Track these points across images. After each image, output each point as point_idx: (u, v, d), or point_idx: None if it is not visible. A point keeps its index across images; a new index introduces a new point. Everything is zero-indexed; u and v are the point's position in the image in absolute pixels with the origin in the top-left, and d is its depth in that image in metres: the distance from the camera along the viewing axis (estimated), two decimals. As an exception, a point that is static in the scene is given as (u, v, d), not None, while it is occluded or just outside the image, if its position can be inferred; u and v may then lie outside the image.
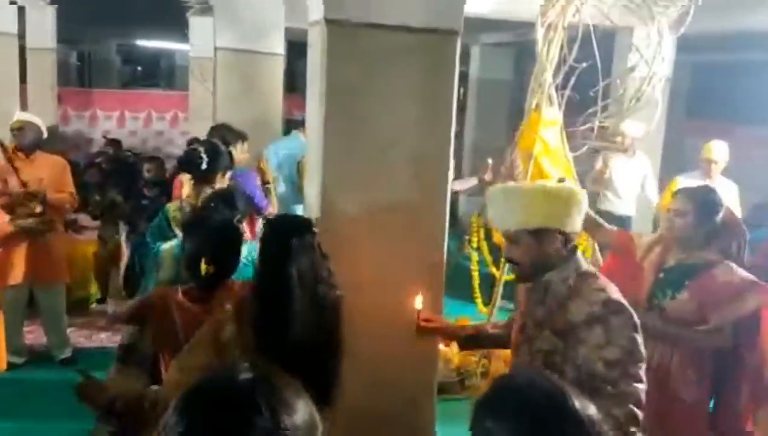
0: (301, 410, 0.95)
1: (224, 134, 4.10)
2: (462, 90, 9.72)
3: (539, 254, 2.04)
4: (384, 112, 2.67)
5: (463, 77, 9.21)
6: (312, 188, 2.82)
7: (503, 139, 5.53)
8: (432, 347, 2.92)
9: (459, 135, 9.04)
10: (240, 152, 4.13)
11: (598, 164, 5.84)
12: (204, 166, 3.33)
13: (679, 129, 7.23)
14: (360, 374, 2.78)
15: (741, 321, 2.69)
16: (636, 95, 4.20)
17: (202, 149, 3.40)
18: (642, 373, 1.88)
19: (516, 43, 8.04)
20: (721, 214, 2.78)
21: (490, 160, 5.17)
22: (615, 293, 1.97)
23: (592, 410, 1.08)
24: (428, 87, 2.69)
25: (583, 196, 2.09)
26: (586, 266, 2.07)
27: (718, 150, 5.19)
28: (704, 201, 2.79)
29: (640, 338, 1.91)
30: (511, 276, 5.23)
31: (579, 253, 2.08)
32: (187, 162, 3.43)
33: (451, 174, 2.82)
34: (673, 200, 2.87)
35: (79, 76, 15.14)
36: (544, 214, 2.03)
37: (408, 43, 2.62)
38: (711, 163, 5.15)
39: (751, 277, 2.66)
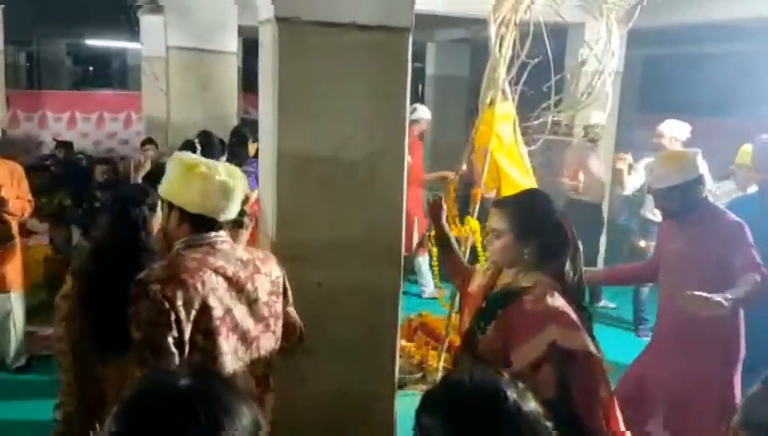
0: (243, 415, 0.95)
1: (245, 131, 4.79)
2: (420, 87, 9.77)
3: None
4: (338, 110, 2.67)
5: (420, 74, 9.26)
6: (268, 188, 2.80)
7: (461, 135, 5.58)
8: (391, 344, 2.93)
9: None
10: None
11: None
12: (197, 154, 3.37)
13: (631, 122, 7.39)
14: (321, 371, 2.80)
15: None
16: (587, 90, 4.28)
17: (197, 139, 3.81)
18: None
19: (471, 39, 8.10)
20: (554, 221, 2.14)
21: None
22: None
23: (532, 405, 1.09)
24: (381, 84, 2.70)
25: None
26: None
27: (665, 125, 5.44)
28: (523, 213, 2.13)
29: None
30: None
31: None
32: (183, 150, 3.59)
33: (405, 170, 2.83)
34: (490, 216, 2.24)
35: (28, 77, 14.71)
36: None
37: (359, 41, 2.62)
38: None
39: (559, 304, 1.98)
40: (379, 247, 2.80)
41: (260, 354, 2.11)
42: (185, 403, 0.92)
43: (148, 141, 5.99)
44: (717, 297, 2.59)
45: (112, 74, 16.50)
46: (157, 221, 2.69)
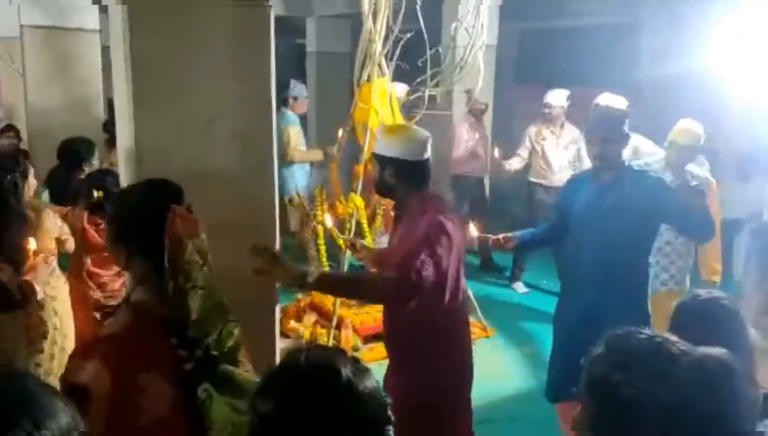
0: (60, 414, 0.88)
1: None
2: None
3: None
4: (200, 87, 2.55)
5: (302, 51, 9.11)
6: (127, 174, 2.65)
7: (345, 112, 5.57)
8: (270, 328, 2.87)
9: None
10: None
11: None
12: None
13: (508, 94, 7.62)
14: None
15: None
16: (459, 63, 4.35)
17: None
18: None
19: (352, 14, 8.04)
20: None
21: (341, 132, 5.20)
22: None
23: (368, 382, 1.09)
24: (244, 60, 2.60)
25: None
26: None
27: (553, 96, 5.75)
28: None
29: None
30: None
31: None
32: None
33: (275, 149, 2.77)
34: None
35: None
36: None
37: (216, 14, 2.51)
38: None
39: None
40: (252, 229, 2.72)
41: None
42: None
43: (8, 128, 5.57)
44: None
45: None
46: (30, 187, 3.02)
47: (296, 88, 6.05)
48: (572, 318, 3.11)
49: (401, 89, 5.63)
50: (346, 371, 1.07)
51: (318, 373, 1.08)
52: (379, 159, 2.69)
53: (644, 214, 2.99)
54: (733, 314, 1.96)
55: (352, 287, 2.67)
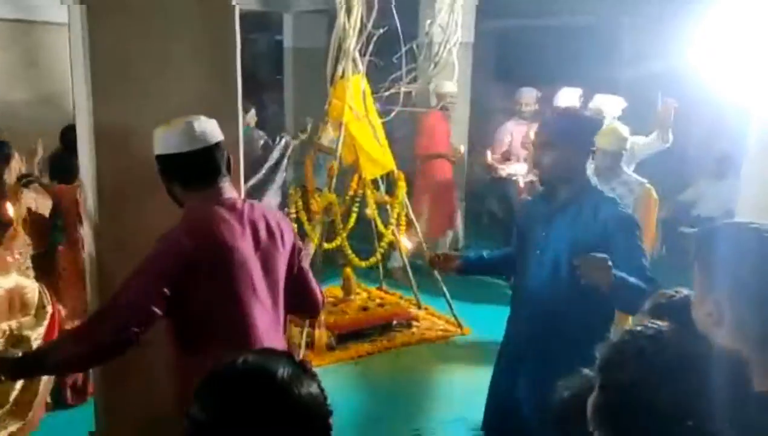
0: None
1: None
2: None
3: None
4: (162, 82, 2.49)
5: (279, 46, 9.02)
6: (87, 171, 2.58)
7: (323, 108, 5.52)
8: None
9: (279, 105, 8.88)
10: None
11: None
12: None
13: (486, 91, 7.59)
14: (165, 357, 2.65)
15: None
16: (434, 60, 4.32)
17: None
18: None
19: (329, 10, 7.97)
20: None
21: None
22: None
23: (308, 386, 1.05)
24: (207, 56, 2.55)
25: None
26: None
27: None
28: None
29: None
30: (332, 244, 5.32)
31: None
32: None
33: (241, 147, 2.71)
34: None
35: None
36: None
37: (178, 8, 2.46)
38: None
39: None
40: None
41: None
42: None
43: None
44: None
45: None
46: (12, 171, 3.24)
47: None
48: (513, 354, 2.65)
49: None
50: (282, 375, 1.03)
51: (252, 377, 1.04)
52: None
53: (597, 250, 2.27)
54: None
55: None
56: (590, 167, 3.03)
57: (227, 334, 2.01)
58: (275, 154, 5.56)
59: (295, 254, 2.22)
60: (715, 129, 6.20)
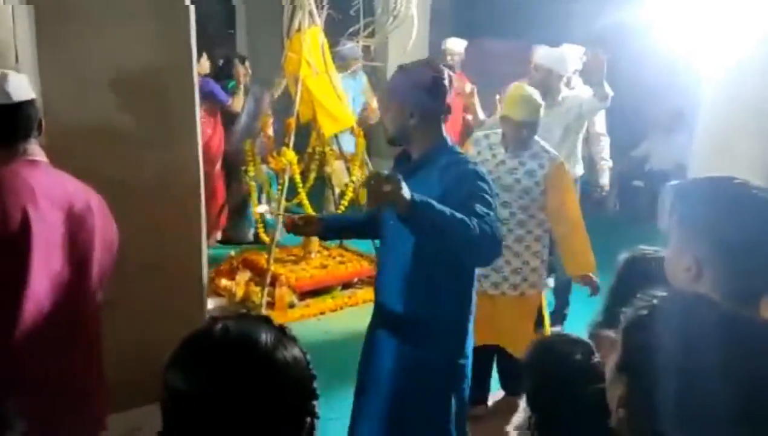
0: None
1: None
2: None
3: None
4: (110, 38, 2.38)
5: (231, 1, 8.73)
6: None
7: (278, 64, 5.38)
8: (198, 288, 2.78)
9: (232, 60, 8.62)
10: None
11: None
12: None
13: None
14: (121, 325, 2.59)
15: None
16: (392, 13, 4.24)
17: None
18: None
19: (282, -39, 7.72)
20: None
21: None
22: None
23: (291, 351, 1.02)
24: (158, 7, 2.44)
25: None
26: None
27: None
28: None
29: None
30: (292, 202, 5.27)
31: None
32: None
33: (197, 107, 2.62)
34: None
35: None
36: None
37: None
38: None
39: None
40: (174, 192, 2.59)
41: None
42: None
43: None
44: None
45: None
46: None
47: None
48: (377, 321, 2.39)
49: (459, 44, 5.63)
50: (265, 340, 1.00)
51: (234, 342, 1.00)
52: None
53: None
54: None
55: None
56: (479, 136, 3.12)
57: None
58: (251, 105, 5.51)
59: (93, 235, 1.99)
60: (667, 84, 6.28)
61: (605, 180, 4.75)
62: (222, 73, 5.88)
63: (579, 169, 4.42)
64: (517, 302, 3.27)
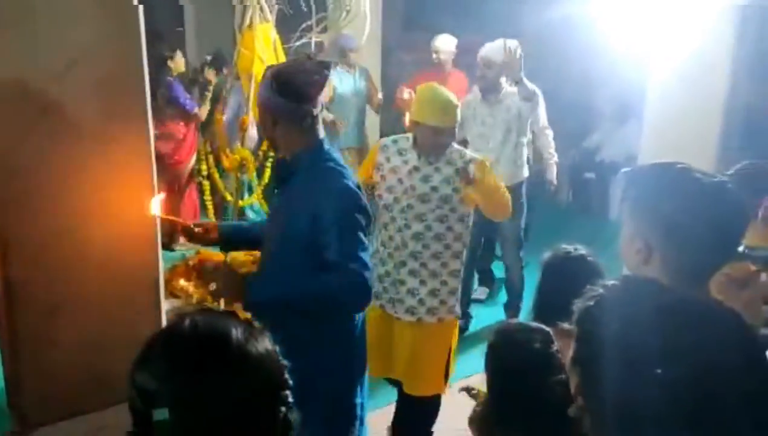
0: None
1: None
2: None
3: None
4: (57, 26, 2.30)
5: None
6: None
7: (228, 60, 5.29)
8: (153, 288, 2.71)
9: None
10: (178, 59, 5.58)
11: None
12: None
13: (396, 42, 7.53)
14: (72, 330, 2.52)
15: None
16: (344, 8, 4.21)
17: None
18: None
19: (231, -43, 7.60)
20: None
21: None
22: None
23: (263, 344, 1.01)
24: (107, 9, 2.38)
25: None
26: None
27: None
28: None
29: None
30: (248, 201, 5.20)
31: None
32: None
33: (148, 99, 2.56)
34: None
35: None
36: None
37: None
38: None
39: None
40: (124, 186, 2.53)
41: None
42: None
43: None
44: None
45: None
46: None
47: None
48: None
49: (448, 42, 5.28)
50: (236, 335, 0.98)
51: (205, 338, 0.98)
52: None
53: (305, 235, 1.97)
54: (599, 270, 2.10)
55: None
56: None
57: None
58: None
59: None
60: (616, 75, 6.41)
61: (552, 175, 4.59)
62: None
63: (524, 172, 4.31)
64: (435, 330, 2.91)
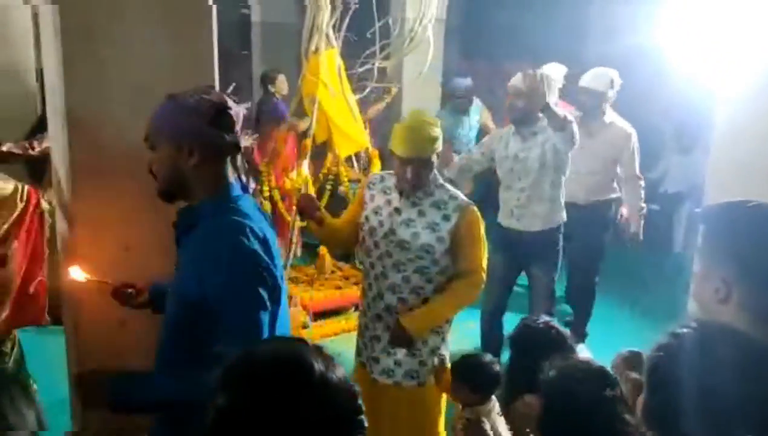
0: None
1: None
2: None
3: None
4: (131, 55, 2.42)
5: (246, 20, 8.85)
6: (58, 149, 2.50)
7: (293, 85, 5.42)
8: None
9: (247, 83, 8.72)
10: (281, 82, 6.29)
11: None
12: None
13: (456, 69, 7.56)
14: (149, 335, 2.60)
15: None
16: (409, 35, 4.28)
17: None
18: None
19: (298, -16, 7.83)
20: None
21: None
22: None
23: (340, 373, 1.03)
24: (180, 25, 2.48)
25: None
26: None
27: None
28: None
29: None
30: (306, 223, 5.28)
31: None
32: None
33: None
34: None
35: None
36: None
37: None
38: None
39: None
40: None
41: None
42: None
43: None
44: None
45: None
46: None
47: None
48: None
49: (558, 70, 4.84)
50: (318, 366, 1.01)
51: (290, 368, 1.01)
52: None
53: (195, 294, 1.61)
54: (564, 340, 2.21)
55: None
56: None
57: None
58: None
59: None
60: (681, 104, 6.26)
61: (639, 229, 4.35)
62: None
63: (562, 216, 3.84)
64: (417, 396, 2.61)
